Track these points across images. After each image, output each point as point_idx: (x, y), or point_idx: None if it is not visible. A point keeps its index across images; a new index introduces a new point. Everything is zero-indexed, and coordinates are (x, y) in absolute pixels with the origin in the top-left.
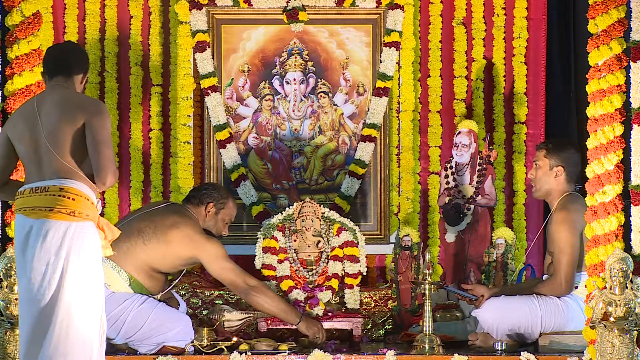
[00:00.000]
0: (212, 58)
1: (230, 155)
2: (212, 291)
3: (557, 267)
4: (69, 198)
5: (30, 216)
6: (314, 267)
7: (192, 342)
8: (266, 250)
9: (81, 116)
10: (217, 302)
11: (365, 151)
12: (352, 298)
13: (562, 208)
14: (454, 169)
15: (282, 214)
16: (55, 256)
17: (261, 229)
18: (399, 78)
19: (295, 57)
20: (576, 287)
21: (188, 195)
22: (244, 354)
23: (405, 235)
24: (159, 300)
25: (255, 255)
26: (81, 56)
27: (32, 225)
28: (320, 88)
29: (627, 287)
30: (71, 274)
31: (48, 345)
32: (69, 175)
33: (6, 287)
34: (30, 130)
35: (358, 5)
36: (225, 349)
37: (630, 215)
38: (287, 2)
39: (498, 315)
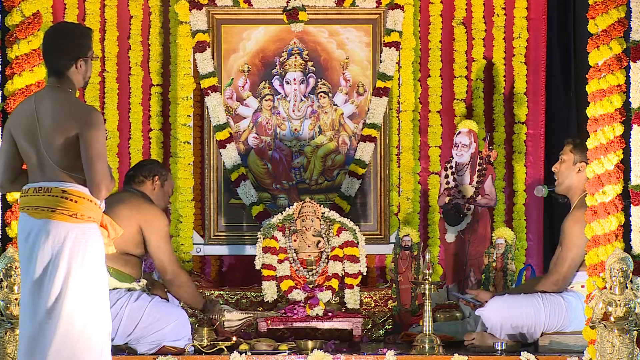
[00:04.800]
0: (212, 58)
1: (230, 155)
2: (212, 291)
3: (560, 262)
4: (71, 200)
5: (33, 216)
6: (314, 267)
7: (192, 342)
8: (266, 250)
9: (74, 127)
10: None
11: (365, 151)
12: (352, 298)
13: (581, 206)
14: (454, 169)
15: (282, 214)
16: (57, 257)
17: (261, 229)
18: (399, 78)
19: (295, 57)
20: (572, 287)
21: (128, 177)
22: (244, 354)
23: (405, 235)
24: (148, 290)
25: (255, 255)
26: (65, 43)
27: (35, 225)
28: (320, 88)
29: (627, 287)
30: (75, 277)
31: (49, 347)
32: (69, 179)
33: (6, 287)
34: (31, 132)
35: (358, 5)
36: (225, 349)
37: (630, 215)
38: (287, 2)
39: (502, 314)
